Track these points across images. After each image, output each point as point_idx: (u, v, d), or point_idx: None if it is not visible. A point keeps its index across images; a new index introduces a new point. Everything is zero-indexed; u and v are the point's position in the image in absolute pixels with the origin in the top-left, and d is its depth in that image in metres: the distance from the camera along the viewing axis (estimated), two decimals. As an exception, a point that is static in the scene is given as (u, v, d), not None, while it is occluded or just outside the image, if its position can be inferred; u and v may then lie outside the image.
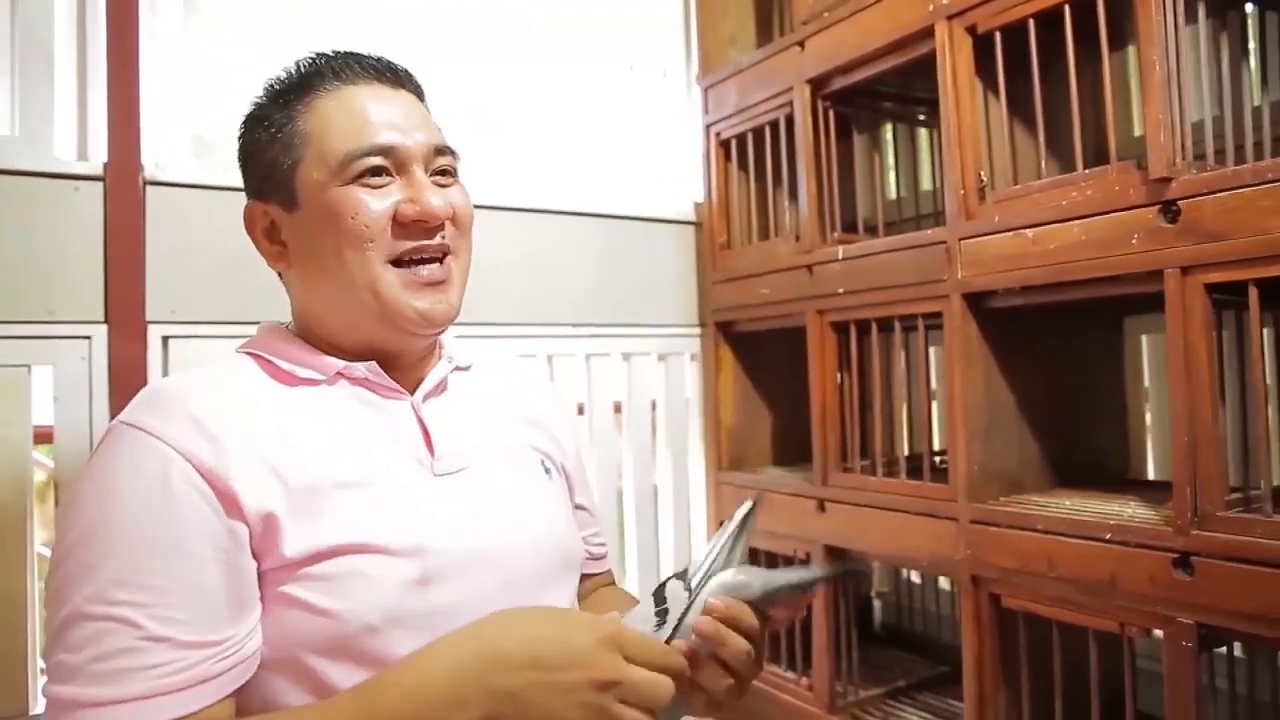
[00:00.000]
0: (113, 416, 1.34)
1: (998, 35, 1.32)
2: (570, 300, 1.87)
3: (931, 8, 1.40)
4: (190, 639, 0.65)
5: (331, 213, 0.77)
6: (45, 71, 1.39)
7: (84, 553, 0.65)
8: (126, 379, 1.39)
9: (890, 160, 2.03)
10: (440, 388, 0.86)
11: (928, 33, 1.42)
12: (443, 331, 0.85)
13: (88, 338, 1.37)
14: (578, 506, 0.98)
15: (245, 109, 0.85)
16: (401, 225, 0.78)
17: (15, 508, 1.32)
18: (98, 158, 1.41)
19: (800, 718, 1.67)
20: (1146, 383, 1.62)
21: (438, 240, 0.80)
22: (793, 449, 1.99)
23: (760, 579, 0.73)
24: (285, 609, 0.70)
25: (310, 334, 0.83)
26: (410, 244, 0.79)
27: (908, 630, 2.03)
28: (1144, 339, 1.61)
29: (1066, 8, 1.23)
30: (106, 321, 1.39)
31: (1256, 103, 1.30)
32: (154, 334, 1.42)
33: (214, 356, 1.44)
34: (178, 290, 1.44)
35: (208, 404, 0.72)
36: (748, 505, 0.77)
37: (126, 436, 0.69)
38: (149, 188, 1.43)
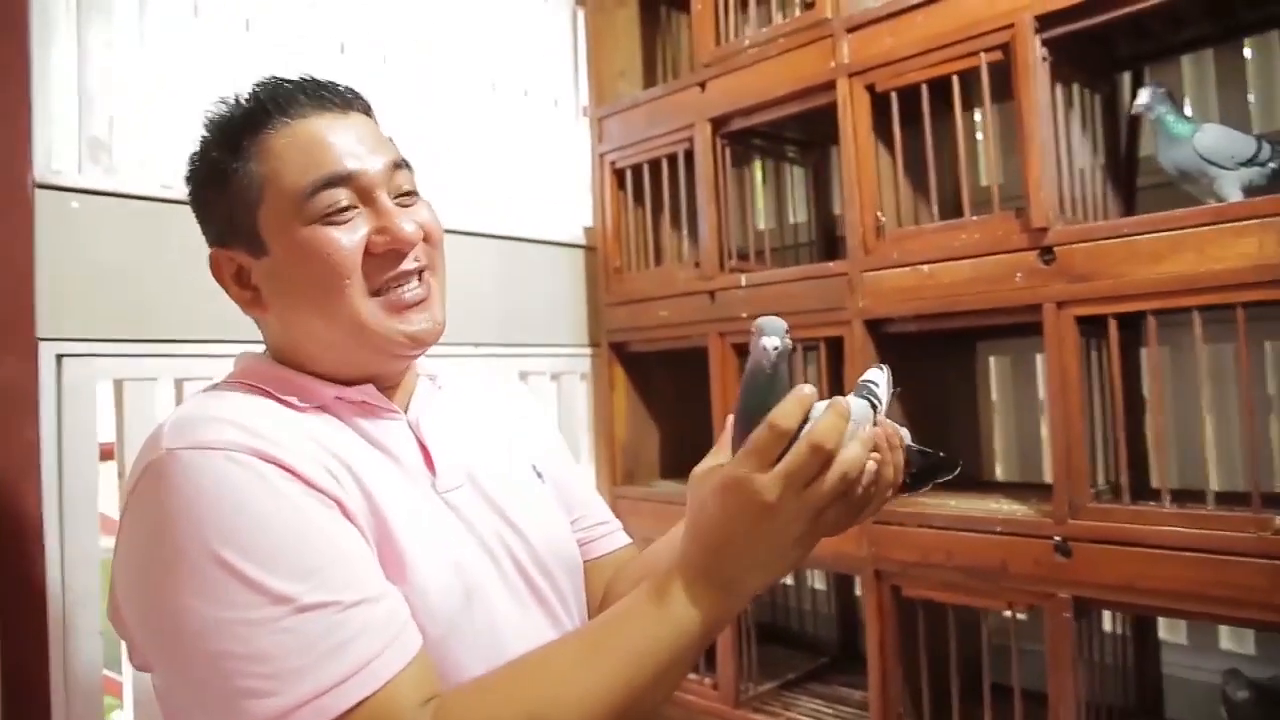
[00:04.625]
0: (-2, 443, 1.23)
1: (894, 95, 1.52)
2: (469, 319, 1.88)
3: (833, 64, 1.58)
4: (374, 593, 0.67)
5: (303, 255, 0.77)
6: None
7: (219, 573, 0.63)
8: (14, 401, 1.25)
9: (759, 193, 2.21)
10: (428, 405, 0.89)
11: (829, 86, 1.59)
12: (429, 348, 0.86)
13: (-33, 356, 1.22)
14: (577, 501, 1.01)
15: (190, 150, 0.82)
16: (375, 256, 0.79)
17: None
18: (-23, 155, 1.27)
19: (707, 716, 1.77)
20: (994, 397, 1.88)
21: (413, 264, 0.81)
22: (679, 462, 2.11)
23: (909, 437, 0.77)
24: None
25: (297, 365, 0.83)
26: (388, 273, 0.79)
27: (782, 627, 2.19)
28: (991, 360, 1.88)
29: (955, 78, 1.44)
30: (-10, 338, 1.24)
31: (1088, 164, 1.57)
32: (46, 352, 1.29)
33: (114, 375, 1.34)
34: (73, 304, 1.32)
35: (241, 415, 0.72)
36: (886, 369, 0.82)
37: (191, 458, 0.67)
38: (39, 191, 1.30)
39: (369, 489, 0.75)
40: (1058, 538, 1.30)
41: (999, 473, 1.87)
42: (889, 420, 0.76)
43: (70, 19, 1.37)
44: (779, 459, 0.65)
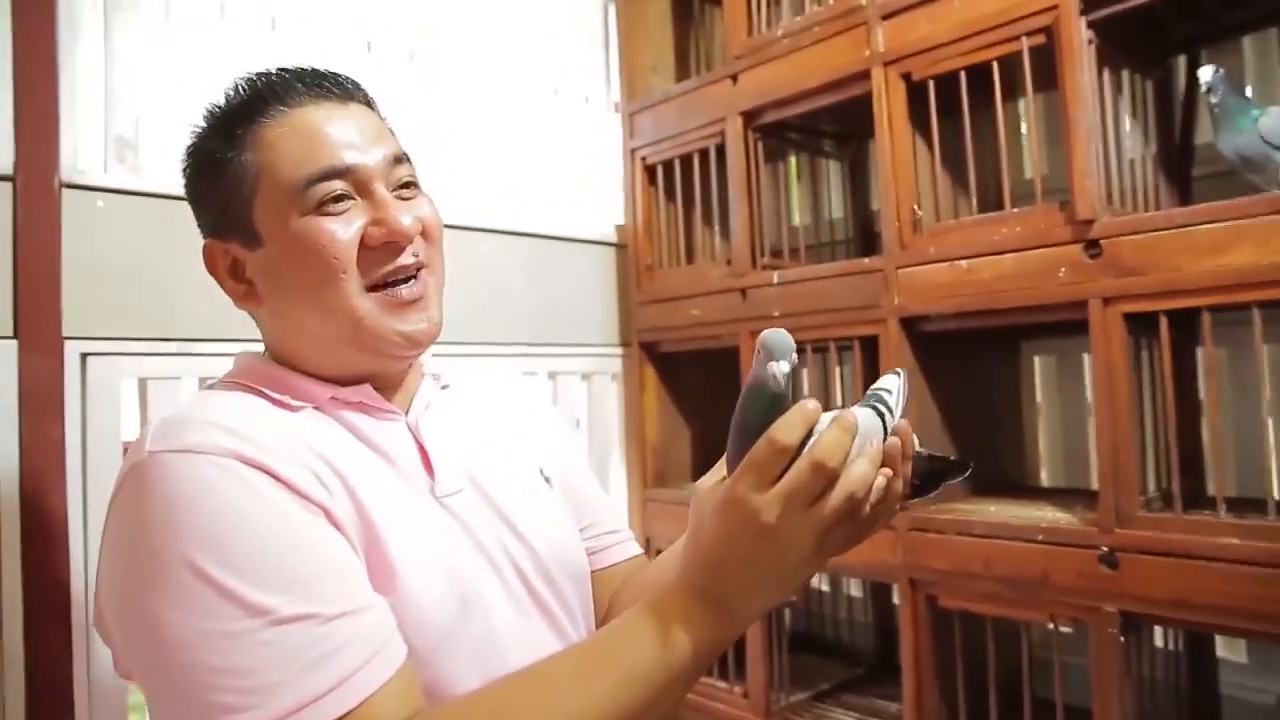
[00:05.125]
0: (23, 442, 1.24)
1: (931, 83, 1.45)
2: (499, 318, 1.86)
3: (868, 53, 1.52)
4: (357, 604, 0.65)
5: (298, 247, 0.75)
6: (-56, 57, 1.25)
7: (196, 583, 0.61)
8: (39, 399, 1.26)
9: (795, 188, 2.15)
10: (430, 407, 0.86)
11: (864, 76, 1.53)
12: (426, 349, 0.84)
13: (-6, 354, 1.23)
14: (587, 508, 0.98)
15: (187, 141, 0.81)
16: (371, 249, 0.76)
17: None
18: (5, 156, 1.28)
19: (737, 725, 1.73)
20: (1039, 399, 1.80)
21: (411, 258, 0.78)
22: (711, 464, 2.05)
23: (916, 443, 0.73)
24: None
25: (293, 364, 0.80)
26: (385, 267, 0.77)
27: (817, 636, 2.13)
28: (1036, 360, 1.80)
29: (995, 64, 1.37)
30: (16, 337, 1.25)
31: (1140, 154, 1.49)
32: (71, 350, 1.29)
33: (138, 374, 1.35)
34: (98, 303, 1.32)
35: (231, 418, 0.69)
36: (903, 373, 0.77)
37: (172, 462, 0.65)
38: (65, 190, 1.30)
39: (359, 494, 0.72)
40: (1104, 548, 1.23)
41: (1045, 478, 1.79)
42: (903, 425, 0.71)
43: (97, 19, 1.38)
44: (780, 477, 0.62)
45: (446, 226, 1.84)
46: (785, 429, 0.61)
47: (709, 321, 1.82)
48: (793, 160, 2.12)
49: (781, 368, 0.61)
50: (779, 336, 0.62)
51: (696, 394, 2.07)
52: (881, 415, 0.71)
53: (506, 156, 1.99)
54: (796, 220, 2.14)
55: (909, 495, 0.75)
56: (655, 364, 2.03)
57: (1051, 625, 1.32)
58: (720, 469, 0.73)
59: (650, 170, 2.00)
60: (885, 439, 0.67)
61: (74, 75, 1.33)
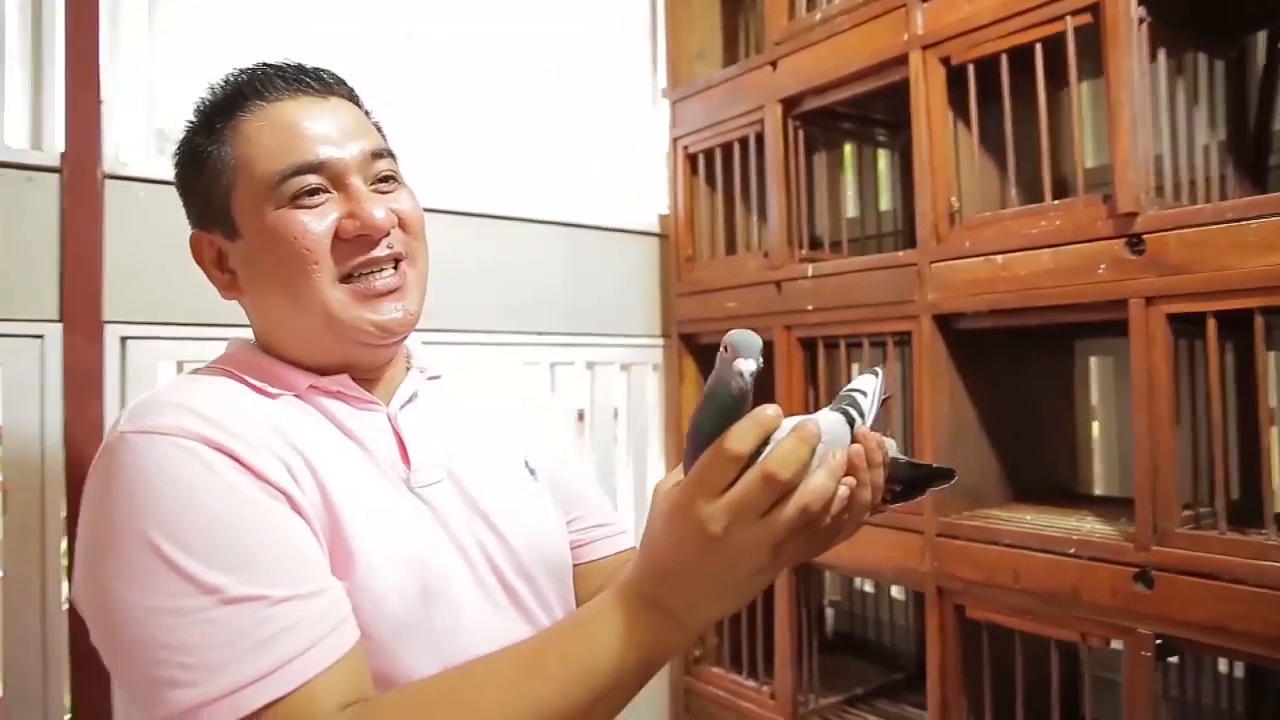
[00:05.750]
0: (67, 420, 1.31)
1: (970, 67, 1.38)
2: (537, 308, 1.86)
3: (906, 37, 1.45)
4: (310, 589, 0.65)
5: (272, 239, 0.75)
6: (-3, 55, 1.32)
7: (150, 559, 0.63)
8: (82, 381, 1.32)
9: (849, 179, 2.08)
10: (414, 398, 0.85)
11: (902, 61, 1.46)
12: (403, 339, 0.84)
13: (40, 337, 1.30)
14: (576, 501, 0.96)
15: (178, 135, 0.82)
16: (344, 241, 0.76)
17: (-42, 517, 1.25)
18: (54, 148, 1.35)
19: (762, 726, 1.70)
20: (1095, 402, 1.70)
21: (385, 250, 0.78)
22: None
23: (895, 448, 0.70)
24: None
25: (277, 352, 0.81)
26: (357, 259, 0.77)
27: (860, 638, 2.08)
28: (1093, 361, 1.70)
29: (1038, 46, 1.29)
30: (61, 321, 1.32)
31: (1205, 142, 1.38)
32: (111, 334, 1.36)
33: (175, 358, 1.41)
34: (137, 289, 1.38)
35: (203, 403, 0.71)
36: (881, 373, 0.75)
37: (139, 442, 0.67)
38: (108, 181, 1.37)
39: (326, 482, 0.73)
40: (1139, 565, 1.15)
41: (1099, 486, 1.68)
42: (874, 434, 0.67)
43: (139, 16, 1.43)
44: (730, 486, 0.59)
45: (486, 217, 1.87)
46: (737, 436, 0.59)
47: (744, 314, 1.78)
48: (846, 149, 2.06)
49: (748, 366, 0.58)
50: (746, 336, 0.59)
51: (737, 387, 2.03)
52: (851, 421, 0.67)
53: (552, 146, 1.99)
54: (853, 211, 2.08)
55: (888, 500, 0.72)
56: (695, 356, 2.00)
57: (1082, 644, 1.24)
58: (682, 469, 0.71)
59: (692, 159, 1.97)
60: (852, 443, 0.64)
61: (116, 69, 1.39)
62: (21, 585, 1.27)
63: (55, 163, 1.32)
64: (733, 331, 0.59)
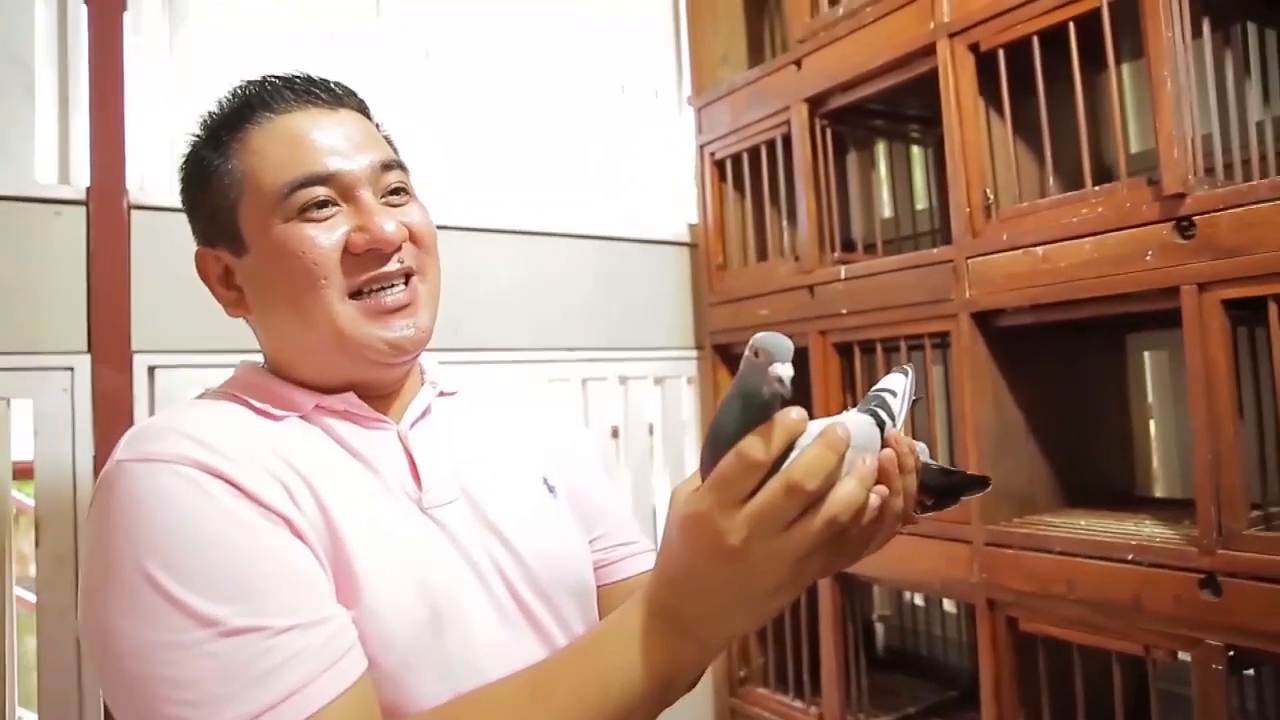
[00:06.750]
0: (97, 451, 1.31)
1: (1000, 53, 1.32)
2: (566, 323, 1.84)
3: (932, 25, 1.40)
4: (313, 617, 0.62)
5: (279, 253, 0.73)
6: (25, 92, 1.35)
7: (148, 592, 0.61)
8: (111, 411, 1.33)
9: (883, 178, 2.03)
10: (426, 415, 0.83)
11: (929, 50, 1.41)
12: (415, 357, 0.81)
13: (70, 369, 1.32)
14: (599, 519, 0.92)
15: (183, 149, 0.81)
16: (354, 256, 0.74)
17: (-7, 548, 1.26)
18: (80, 181, 1.37)
19: (810, 748, 1.64)
20: (1150, 399, 1.61)
21: (396, 265, 0.76)
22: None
23: (925, 453, 0.66)
24: None
25: (285, 373, 0.79)
26: (367, 274, 0.75)
27: (912, 654, 1.99)
28: (1147, 355, 1.61)
29: (1071, 25, 1.23)
30: (90, 352, 1.33)
31: (1259, 118, 1.30)
32: (140, 364, 1.37)
33: (203, 385, 1.41)
34: (164, 319, 1.39)
35: (201, 428, 0.68)
36: (910, 371, 0.71)
37: (135, 470, 0.64)
38: (134, 211, 1.38)
39: (329, 505, 0.70)
40: (1204, 571, 1.07)
41: (1159, 487, 1.59)
42: (906, 438, 0.62)
43: (163, 44, 1.45)
44: (752, 495, 0.55)
45: (513, 233, 1.85)
46: (756, 444, 0.55)
47: (777, 321, 1.73)
48: (880, 148, 2.00)
49: (787, 371, 0.53)
50: (776, 338, 0.55)
51: (774, 397, 1.98)
52: (881, 423, 0.63)
53: (577, 157, 1.97)
54: (888, 212, 2.02)
55: (921, 510, 0.67)
56: (729, 366, 1.95)
57: (1147, 657, 1.16)
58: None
59: (720, 166, 1.93)
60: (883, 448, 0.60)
61: (140, 101, 1.41)
62: (56, 614, 1.28)
63: (81, 196, 1.34)
64: (760, 334, 0.55)
